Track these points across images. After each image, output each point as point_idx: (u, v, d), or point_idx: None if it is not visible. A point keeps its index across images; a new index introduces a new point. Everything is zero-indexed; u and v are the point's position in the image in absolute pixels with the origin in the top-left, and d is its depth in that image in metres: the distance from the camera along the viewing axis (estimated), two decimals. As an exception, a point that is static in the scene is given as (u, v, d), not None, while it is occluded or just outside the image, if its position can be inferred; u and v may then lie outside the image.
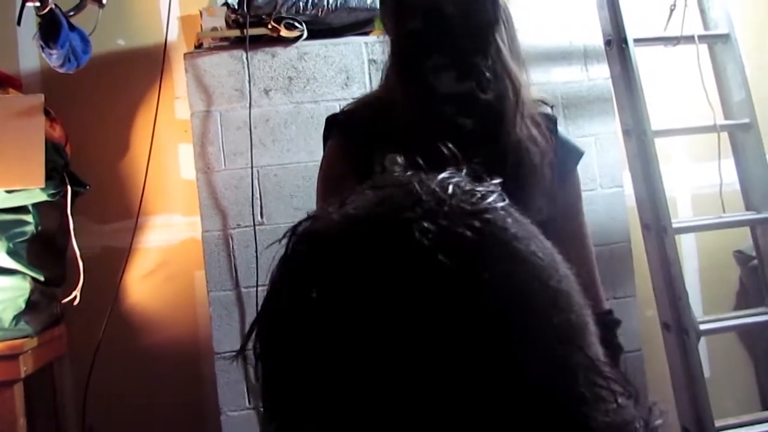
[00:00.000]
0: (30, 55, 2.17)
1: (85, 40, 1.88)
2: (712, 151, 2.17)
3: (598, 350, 0.41)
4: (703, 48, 1.97)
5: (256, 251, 1.99)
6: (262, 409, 0.41)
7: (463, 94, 1.01)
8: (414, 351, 0.36)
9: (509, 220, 0.41)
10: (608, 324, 1.12)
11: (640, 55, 1.87)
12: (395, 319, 0.36)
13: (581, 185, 1.23)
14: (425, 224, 0.38)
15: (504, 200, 0.42)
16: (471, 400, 0.35)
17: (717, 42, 1.94)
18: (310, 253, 0.41)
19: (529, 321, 0.38)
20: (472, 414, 0.35)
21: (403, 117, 1.03)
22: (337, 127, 1.18)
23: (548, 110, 1.19)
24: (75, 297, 2.04)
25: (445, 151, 0.47)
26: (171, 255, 2.30)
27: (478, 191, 0.41)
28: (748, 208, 1.91)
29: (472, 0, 1.01)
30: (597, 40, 2.03)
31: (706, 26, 1.98)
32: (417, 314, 0.36)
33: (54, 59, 1.81)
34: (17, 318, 1.85)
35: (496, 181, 0.43)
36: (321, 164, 1.21)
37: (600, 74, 2.13)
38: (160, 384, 2.23)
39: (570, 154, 1.18)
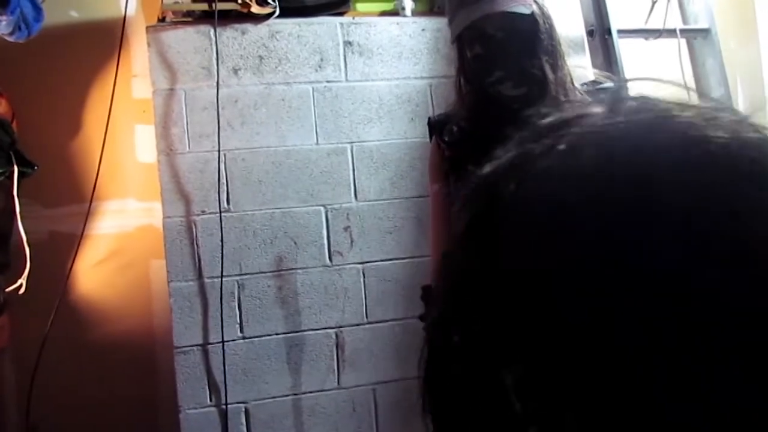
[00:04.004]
0: (-27, 21, 1.99)
1: (37, 8, 1.74)
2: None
3: None
4: (682, 43, 1.95)
5: (222, 240, 1.88)
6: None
7: (519, 95, 1.30)
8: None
9: None
10: None
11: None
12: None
13: None
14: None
15: None
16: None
17: (697, 36, 1.92)
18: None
19: None
20: None
21: (481, 115, 1.34)
22: (431, 128, 1.50)
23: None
24: (20, 285, 1.88)
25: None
26: (125, 242, 2.16)
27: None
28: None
29: (514, 25, 1.27)
30: (575, 31, 1.99)
31: (685, 21, 1.96)
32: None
33: (3, 26, 1.66)
34: (-46, 308, 1.69)
35: None
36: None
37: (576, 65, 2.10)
38: (111, 379, 2.09)
39: None
